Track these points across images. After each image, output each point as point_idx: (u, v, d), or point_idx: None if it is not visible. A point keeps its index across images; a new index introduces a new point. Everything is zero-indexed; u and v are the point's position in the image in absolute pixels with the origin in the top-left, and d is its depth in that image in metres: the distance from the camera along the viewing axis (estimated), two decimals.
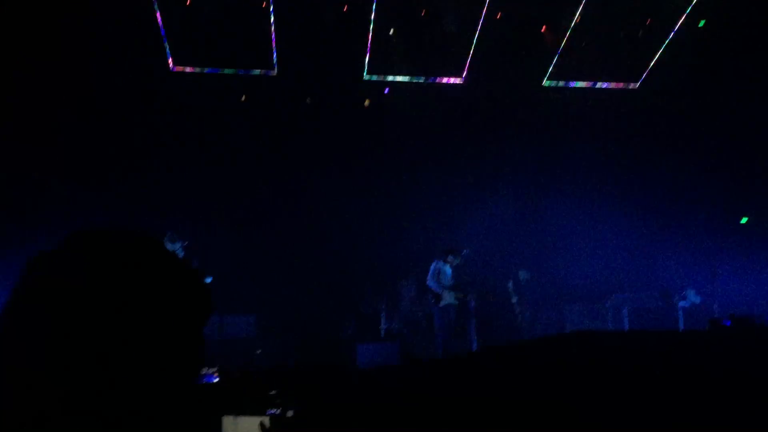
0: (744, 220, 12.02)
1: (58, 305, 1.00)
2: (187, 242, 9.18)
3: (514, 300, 10.75)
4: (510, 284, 10.99)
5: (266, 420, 4.07)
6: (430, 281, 9.95)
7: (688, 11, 10.52)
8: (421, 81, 11.64)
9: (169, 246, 8.80)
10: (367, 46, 10.93)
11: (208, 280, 9.18)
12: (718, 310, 9.33)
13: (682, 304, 9.95)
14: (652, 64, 11.45)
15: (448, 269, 10.04)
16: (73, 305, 1.00)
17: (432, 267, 10.01)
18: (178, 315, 1.10)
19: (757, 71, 11.08)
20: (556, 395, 3.77)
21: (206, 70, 11.18)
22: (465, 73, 11.44)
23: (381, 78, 11.68)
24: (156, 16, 10.23)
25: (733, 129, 11.57)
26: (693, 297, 10.05)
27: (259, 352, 10.03)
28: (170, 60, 10.91)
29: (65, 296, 1.00)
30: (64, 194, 10.35)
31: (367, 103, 12.13)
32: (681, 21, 10.69)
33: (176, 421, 1.02)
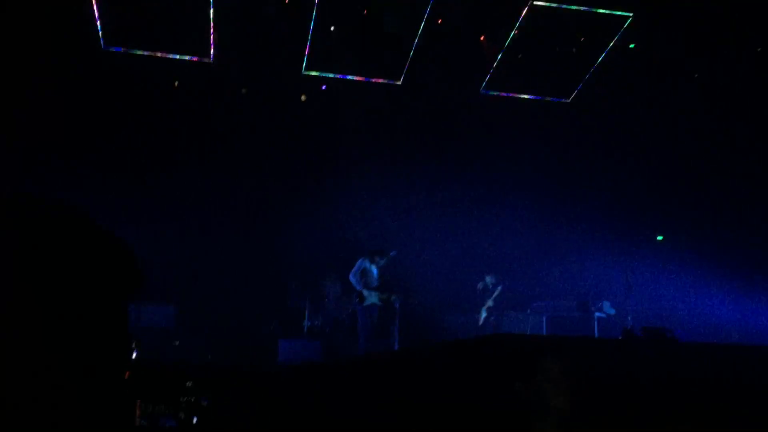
0: (660, 238, 12.50)
1: None
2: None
3: (488, 303, 10.83)
4: (480, 286, 11.09)
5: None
6: (351, 276, 9.95)
7: (618, 35, 10.87)
8: (359, 80, 11.64)
9: None
10: (307, 41, 10.85)
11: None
12: (631, 322, 9.64)
13: (598, 314, 10.26)
14: (583, 81, 11.78)
15: (374, 269, 10.06)
16: None
17: (357, 264, 10.01)
18: (96, 285, 1.03)
19: (679, 96, 11.55)
20: (468, 394, 3.83)
21: (139, 51, 10.87)
22: (403, 75, 11.50)
23: (319, 74, 11.62)
24: None
25: (653, 148, 12.04)
26: (608, 308, 10.37)
27: (176, 343, 9.82)
28: (102, 39, 10.56)
29: None
30: None
31: (303, 98, 12.04)
32: (612, 42, 11.03)
33: (96, 398, 0.96)
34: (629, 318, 9.81)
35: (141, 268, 1.07)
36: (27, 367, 0.90)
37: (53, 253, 0.98)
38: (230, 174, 11.75)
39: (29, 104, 10.37)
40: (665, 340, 6.12)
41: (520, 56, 11.29)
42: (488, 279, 11.04)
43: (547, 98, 12.19)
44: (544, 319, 10.58)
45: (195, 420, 4.02)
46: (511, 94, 12.09)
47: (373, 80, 11.70)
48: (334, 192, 11.80)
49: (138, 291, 1.04)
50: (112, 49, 10.73)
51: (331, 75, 11.63)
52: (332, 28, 10.80)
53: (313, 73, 11.56)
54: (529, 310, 10.86)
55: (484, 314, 10.87)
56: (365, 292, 9.84)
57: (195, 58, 11.04)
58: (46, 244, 0.98)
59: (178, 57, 11.02)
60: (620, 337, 7.41)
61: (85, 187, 10.39)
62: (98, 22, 10.30)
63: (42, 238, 0.98)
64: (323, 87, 11.96)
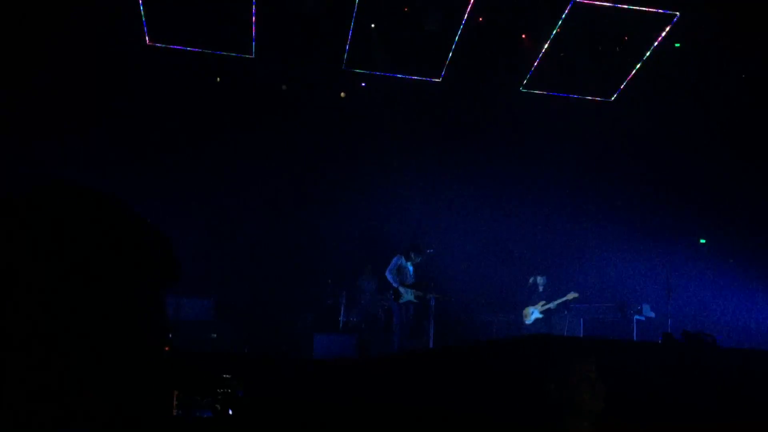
0: (703, 241, 12.25)
1: (6, 264, 0.95)
2: (148, 220, 9.06)
3: (541, 304, 10.73)
4: (531, 283, 11.00)
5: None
6: (387, 273, 9.97)
7: (664, 33, 10.67)
8: (399, 77, 11.65)
9: None
10: (347, 38, 10.90)
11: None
12: (671, 326, 9.49)
13: (637, 317, 10.11)
14: (626, 80, 11.61)
15: (410, 267, 10.06)
16: (24, 263, 0.95)
17: (393, 261, 10.03)
18: (136, 274, 1.05)
19: (725, 97, 11.30)
20: (502, 395, 3.82)
21: (182, 47, 11.04)
22: (443, 73, 11.47)
23: (359, 71, 11.66)
24: None
25: (697, 149, 11.78)
26: (648, 311, 10.21)
27: (214, 336, 9.94)
28: (146, 35, 10.76)
29: (15, 253, 0.96)
30: (34, 165, 10.15)
31: (342, 95, 12.10)
32: (657, 42, 10.85)
33: (133, 386, 0.98)
34: (669, 322, 9.65)
35: (176, 256, 1.08)
36: (62, 357, 0.92)
37: (90, 241, 1.00)
38: (270, 169, 11.86)
39: (74, 99, 10.61)
40: (706, 345, 6.00)
41: (562, 54, 11.17)
42: (539, 279, 10.92)
43: (590, 98, 12.05)
44: (582, 321, 10.48)
45: (230, 412, 4.08)
46: (552, 93, 11.98)
47: (413, 78, 11.70)
48: (372, 188, 11.84)
49: (174, 280, 1.06)
50: (156, 45, 10.92)
51: (370, 72, 11.66)
52: (372, 26, 10.82)
53: (353, 70, 11.61)
54: (566, 312, 10.75)
55: (535, 314, 10.70)
56: (401, 290, 9.86)
57: (237, 55, 11.17)
58: (83, 231, 1.00)
59: (220, 53, 11.17)
60: (660, 341, 7.30)
61: (130, 182, 10.60)
62: (143, 19, 10.49)
63: (79, 226, 1.00)
64: (363, 84, 11.99)
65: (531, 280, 10.94)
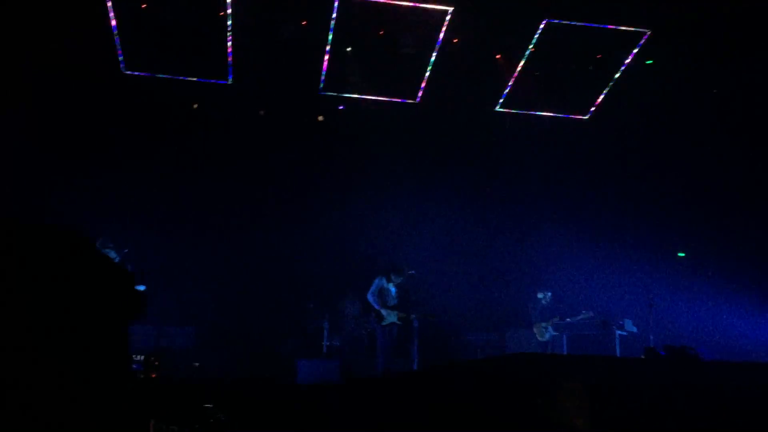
0: (681, 255, 12.37)
1: None
2: (126, 249, 8.99)
3: (553, 320, 10.72)
4: (542, 299, 11.00)
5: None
6: (369, 296, 9.93)
7: (635, 51, 10.85)
8: (377, 100, 11.71)
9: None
10: (323, 62, 10.95)
11: (141, 288, 9.02)
12: (653, 340, 9.54)
13: (619, 332, 10.15)
14: (601, 97, 11.76)
15: (392, 288, 10.03)
16: None
17: (374, 283, 9.99)
18: (99, 310, 1.03)
19: (697, 111, 11.48)
20: (493, 413, 3.80)
21: (159, 75, 11.02)
22: (420, 94, 11.55)
23: (336, 95, 11.70)
24: (109, 18, 10.06)
25: (673, 164, 11.93)
26: (630, 326, 10.25)
27: (197, 364, 9.84)
28: (122, 64, 10.73)
29: None
30: (9, 197, 10.03)
31: (320, 118, 12.12)
32: (629, 59, 11.02)
33: (99, 417, 0.96)
34: (651, 336, 9.70)
35: (141, 291, 1.06)
36: (25, 384, 0.91)
37: (54, 277, 0.98)
38: (249, 195, 11.82)
39: (51, 129, 10.54)
40: (688, 358, 6.04)
41: (536, 74, 11.30)
42: (544, 295, 10.95)
43: (565, 116, 12.18)
44: (565, 337, 10.50)
45: None
46: (527, 112, 12.10)
47: (390, 100, 11.76)
48: (352, 211, 11.82)
49: (137, 314, 1.05)
50: (133, 74, 10.89)
51: (347, 95, 11.71)
52: (348, 49, 10.89)
53: (331, 94, 11.65)
54: (550, 328, 10.78)
55: (550, 331, 10.68)
56: (384, 312, 9.82)
57: (213, 81, 11.17)
58: (47, 267, 0.98)
59: (196, 80, 11.17)
60: (642, 356, 7.33)
61: (109, 210, 10.53)
62: (119, 48, 10.46)
63: (42, 262, 0.99)
64: (340, 107, 12.03)
65: (540, 296, 10.98)
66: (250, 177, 11.88)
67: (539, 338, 10.66)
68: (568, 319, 10.51)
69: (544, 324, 10.68)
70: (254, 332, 10.68)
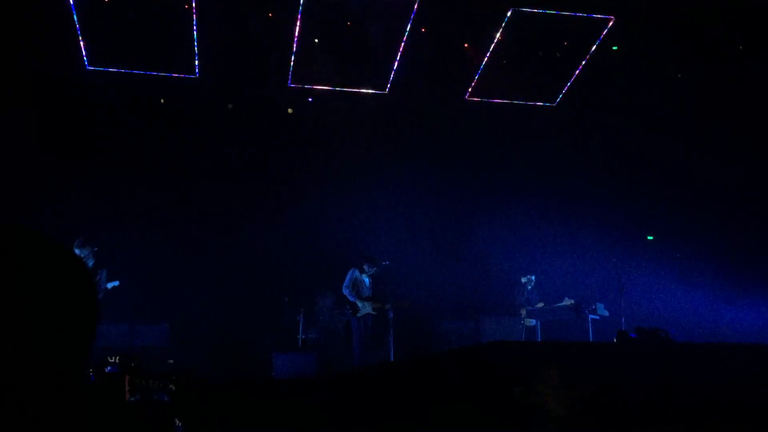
0: (650, 238, 12.55)
1: None
2: (96, 248, 8.90)
3: (538, 304, 10.78)
4: (526, 283, 11.07)
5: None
6: (344, 289, 9.94)
7: (601, 38, 10.93)
8: (345, 91, 11.66)
9: (77, 252, 8.54)
10: (291, 54, 10.86)
11: (115, 284, 8.95)
12: (625, 324, 9.67)
13: (592, 317, 10.28)
14: (568, 84, 11.85)
15: (365, 279, 10.04)
16: None
17: (348, 275, 9.99)
18: (54, 321, 0.98)
19: (663, 97, 11.63)
20: (469, 403, 3.82)
21: (124, 70, 10.85)
22: (389, 85, 11.53)
23: (305, 87, 11.63)
24: (71, 13, 9.86)
25: (641, 149, 12.09)
26: (602, 310, 10.38)
27: (171, 362, 9.76)
28: (86, 59, 10.54)
29: None
30: None
31: (290, 111, 12.05)
32: (595, 46, 11.10)
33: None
34: (623, 319, 9.84)
35: (96, 296, 1.03)
36: None
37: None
38: (219, 189, 11.72)
39: (13, 125, 10.32)
40: (660, 340, 6.12)
41: (504, 62, 11.34)
42: (527, 279, 11.05)
43: (533, 103, 12.25)
44: (538, 323, 10.61)
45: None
46: (496, 100, 12.15)
47: (360, 91, 11.73)
48: (324, 204, 11.79)
49: (89, 320, 1.01)
50: (97, 69, 10.71)
51: (316, 87, 11.65)
52: (316, 41, 10.82)
53: (300, 86, 11.57)
54: (522, 314, 10.88)
55: (532, 320, 10.76)
56: (359, 303, 9.83)
57: (180, 75, 11.03)
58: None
59: (162, 74, 11.02)
60: (615, 340, 7.42)
61: (76, 207, 10.37)
62: (82, 43, 10.27)
63: None
64: (309, 99, 11.96)
65: (524, 280, 11.08)
66: (219, 172, 11.78)
67: (527, 323, 10.77)
68: (554, 305, 10.64)
69: (529, 308, 10.80)
70: (229, 328, 10.63)
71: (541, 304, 10.79)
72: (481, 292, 11.93)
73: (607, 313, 10.39)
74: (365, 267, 10.05)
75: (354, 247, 11.15)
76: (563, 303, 10.52)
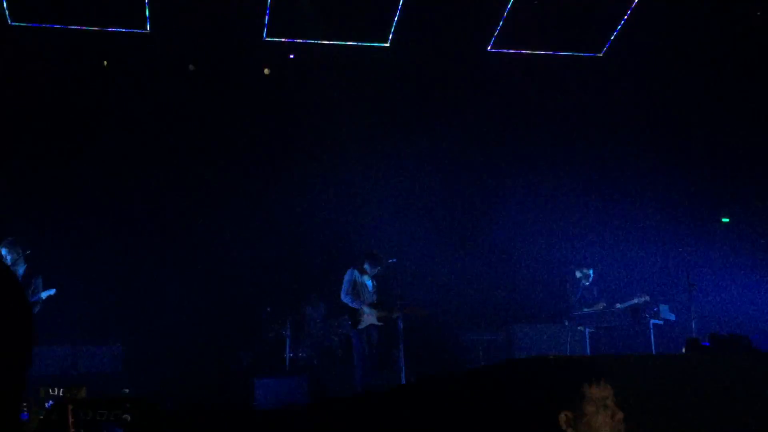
0: (725, 220, 12.46)
1: None
2: (29, 250, 8.91)
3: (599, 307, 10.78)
4: (580, 279, 11.07)
5: None
6: (343, 296, 9.90)
7: None
8: (336, 44, 11.61)
9: (4, 253, 8.59)
10: (266, 2, 10.81)
11: (51, 292, 8.95)
12: (696, 329, 9.66)
13: (654, 321, 10.27)
14: (617, 30, 11.76)
15: (367, 280, 10.01)
16: None
17: (346, 278, 9.96)
18: None
19: (725, 45, 11.53)
20: None
21: (55, 25, 10.80)
22: (391, 35, 11.47)
23: (285, 41, 11.58)
24: None
25: (713, 110, 11.98)
26: (666, 313, 10.37)
27: (126, 391, 9.79)
28: (8, 14, 10.51)
29: None
30: None
31: (267, 71, 12.01)
32: None
33: None
34: (693, 324, 9.82)
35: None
36: None
37: None
38: (181, 174, 11.70)
39: None
40: (741, 350, 6.10)
41: (535, 2, 11.23)
42: (583, 273, 11.03)
43: (573, 53, 12.17)
44: (587, 331, 10.60)
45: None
46: (526, 51, 12.08)
47: (353, 44, 11.68)
48: (311, 188, 11.77)
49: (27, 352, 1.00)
50: (23, 25, 10.68)
51: (299, 41, 11.60)
52: None
53: (278, 40, 11.53)
54: (566, 321, 10.85)
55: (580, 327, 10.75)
56: (365, 311, 9.81)
57: (128, 30, 11.00)
58: None
59: (107, 30, 10.98)
60: (684, 350, 7.40)
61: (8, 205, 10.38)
62: None
63: None
64: (291, 56, 11.92)
65: (578, 275, 11.04)
66: (181, 151, 11.75)
67: (574, 332, 10.76)
68: (618, 305, 10.58)
69: (576, 313, 10.78)
70: (198, 348, 10.65)
71: (602, 305, 10.74)
72: (515, 294, 11.92)
73: (673, 317, 10.38)
74: (366, 266, 10.03)
75: (352, 242, 11.14)
76: (633, 301, 10.45)
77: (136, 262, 11.10)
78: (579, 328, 10.74)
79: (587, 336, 10.58)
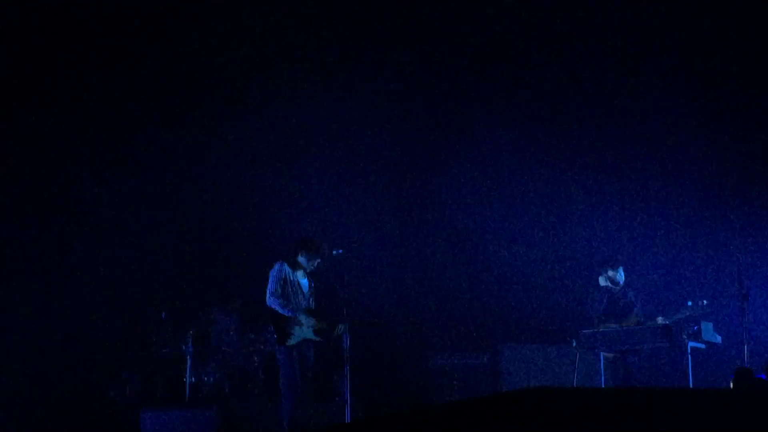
0: None
1: None
2: None
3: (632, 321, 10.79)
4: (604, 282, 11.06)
5: None
6: (270, 298, 9.86)
7: None
8: None
9: None
10: None
11: None
12: (749, 356, 9.81)
13: (692, 344, 10.40)
14: None
15: (302, 278, 9.99)
16: None
17: (272, 273, 9.91)
18: None
19: None
20: None
21: None
22: None
23: None
24: None
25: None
26: (710, 334, 10.50)
27: None
28: None
29: None
30: None
31: None
32: None
33: None
34: (745, 348, 9.98)
35: None
36: None
37: None
38: (53, 144, 11.67)
39: None
40: None
41: None
42: (619, 274, 11.04)
43: None
44: (601, 356, 10.70)
45: None
46: None
47: None
48: (219, 147, 11.76)
49: None
50: None
51: None
52: None
53: None
54: (575, 342, 10.97)
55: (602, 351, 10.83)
56: (293, 321, 9.81)
57: None
58: None
59: None
60: (732, 384, 7.53)
61: None
62: None
63: None
64: None
65: (603, 282, 11.01)
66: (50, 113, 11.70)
67: (587, 356, 10.87)
68: (660, 319, 10.64)
69: (590, 332, 10.78)
70: (65, 367, 10.61)
71: (636, 319, 10.81)
72: (504, 304, 12.00)
73: (718, 339, 10.50)
74: (301, 259, 9.99)
75: (280, 225, 11.15)
76: (683, 314, 10.52)
77: None
78: (591, 351, 10.82)
79: (602, 362, 10.67)
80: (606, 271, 11.02)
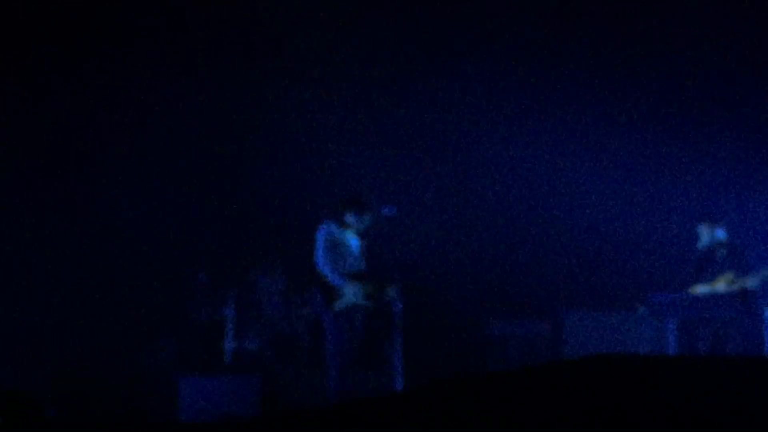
0: None
1: None
2: None
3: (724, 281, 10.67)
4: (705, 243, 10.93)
5: None
6: (319, 260, 9.84)
7: None
8: None
9: None
10: None
11: None
12: None
13: None
14: None
15: (352, 239, 9.98)
16: None
17: (318, 236, 9.90)
18: None
19: None
20: None
21: None
22: None
23: None
24: None
25: None
26: None
27: None
28: None
29: None
30: None
31: None
32: None
33: None
34: None
35: None
36: None
37: None
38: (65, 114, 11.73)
39: None
40: None
41: None
42: (707, 230, 10.92)
43: None
44: (671, 324, 10.62)
45: None
46: None
47: None
48: (261, 107, 11.78)
49: None
50: None
51: None
52: None
53: None
54: (642, 308, 10.88)
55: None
56: (341, 285, 9.80)
57: None
58: None
59: None
60: None
61: None
62: None
63: None
64: None
65: (705, 239, 10.87)
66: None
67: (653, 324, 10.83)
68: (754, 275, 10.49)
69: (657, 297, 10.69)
70: (100, 332, 10.70)
71: (729, 278, 10.64)
72: (567, 268, 11.97)
73: None
74: (348, 217, 9.98)
75: (324, 184, 11.15)
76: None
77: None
78: (660, 317, 10.75)
79: (673, 329, 10.59)
80: (708, 224, 10.85)
